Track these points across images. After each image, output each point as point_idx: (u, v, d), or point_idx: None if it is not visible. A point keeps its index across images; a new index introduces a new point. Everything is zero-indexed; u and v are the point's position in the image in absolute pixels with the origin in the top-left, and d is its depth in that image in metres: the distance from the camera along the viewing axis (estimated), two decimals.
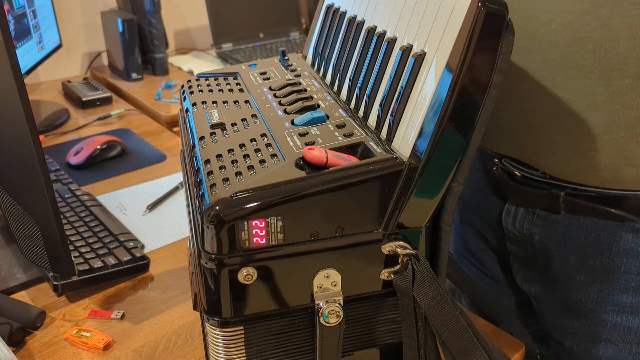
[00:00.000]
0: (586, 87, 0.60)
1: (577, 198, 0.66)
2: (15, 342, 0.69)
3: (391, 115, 0.51)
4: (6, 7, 1.22)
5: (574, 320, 0.71)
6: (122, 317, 0.73)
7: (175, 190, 1.03)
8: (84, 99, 1.43)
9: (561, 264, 0.71)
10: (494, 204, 0.80)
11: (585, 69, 0.59)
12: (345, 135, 0.52)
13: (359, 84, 0.57)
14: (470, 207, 0.87)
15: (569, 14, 0.58)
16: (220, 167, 0.50)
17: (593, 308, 0.69)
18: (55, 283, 0.74)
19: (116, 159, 1.15)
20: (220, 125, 0.57)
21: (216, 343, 0.51)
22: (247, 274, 0.47)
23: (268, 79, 0.67)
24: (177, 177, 1.08)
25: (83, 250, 0.80)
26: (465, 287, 0.73)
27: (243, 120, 0.58)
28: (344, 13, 0.66)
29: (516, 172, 0.72)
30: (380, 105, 0.53)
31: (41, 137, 1.24)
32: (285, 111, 0.58)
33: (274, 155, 0.50)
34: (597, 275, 0.68)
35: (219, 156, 0.51)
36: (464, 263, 0.93)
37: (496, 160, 0.75)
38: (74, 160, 1.12)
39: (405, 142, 0.49)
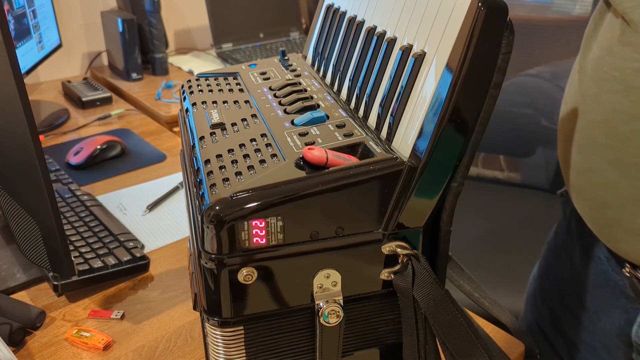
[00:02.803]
0: None
1: None
2: (15, 342, 0.69)
3: (391, 115, 0.51)
4: (6, 7, 1.22)
5: None
6: (122, 317, 0.73)
7: (175, 190, 1.03)
8: (84, 99, 1.43)
9: None
10: (622, 309, 0.67)
11: None
12: (345, 135, 0.52)
13: (359, 84, 0.57)
14: (583, 302, 0.73)
15: None
16: (220, 167, 0.50)
17: None
18: (55, 283, 0.74)
19: (116, 159, 1.15)
20: (220, 125, 0.57)
21: (216, 343, 0.51)
22: (247, 274, 0.47)
23: (268, 79, 0.67)
24: (177, 177, 1.08)
25: (83, 250, 0.80)
26: (465, 287, 0.73)
27: (243, 120, 0.58)
28: (344, 13, 0.66)
29: None
30: (380, 105, 0.53)
31: (41, 137, 1.24)
32: (285, 111, 0.58)
33: (274, 155, 0.50)
34: None
35: (219, 156, 0.51)
36: (544, 345, 0.79)
37: (628, 266, 0.62)
38: (74, 160, 1.12)
39: (405, 142, 0.49)
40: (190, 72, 1.70)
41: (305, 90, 0.62)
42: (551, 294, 0.79)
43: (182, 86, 0.69)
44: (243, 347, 0.51)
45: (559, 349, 0.78)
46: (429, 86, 0.48)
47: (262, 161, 0.50)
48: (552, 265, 0.79)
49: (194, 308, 0.60)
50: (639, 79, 0.53)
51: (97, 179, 1.08)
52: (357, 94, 0.58)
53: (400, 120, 0.51)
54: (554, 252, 0.78)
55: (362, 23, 0.61)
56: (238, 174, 0.48)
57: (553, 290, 0.79)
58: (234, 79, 0.69)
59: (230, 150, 0.52)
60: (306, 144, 0.51)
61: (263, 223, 0.46)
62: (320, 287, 0.50)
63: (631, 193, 0.56)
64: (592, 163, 0.60)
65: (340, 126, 0.54)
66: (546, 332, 0.81)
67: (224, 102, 0.63)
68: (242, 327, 0.50)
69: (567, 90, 0.68)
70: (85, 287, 0.77)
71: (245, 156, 0.51)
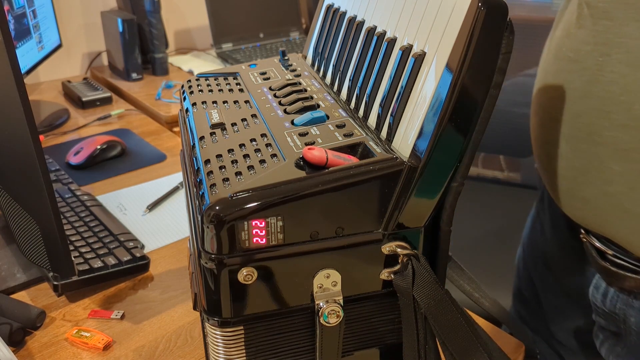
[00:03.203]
0: None
1: None
2: (15, 342, 0.69)
3: (391, 115, 0.51)
4: (6, 7, 1.22)
5: None
6: (122, 317, 0.73)
7: (175, 190, 1.03)
8: (84, 99, 1.43)
9: None
10: (581, 271, 0.71)
11: None
12: (345, 135, 0.52)
13: (359, 84, 0.57)
14: (550, 265, 0.78)
15: None
16: (220, 167, 0.50)
17: None
18: (55, 283, 0.74)
19: (116, 159, 1.15)
20: (220, 125, 0.57)
21: (216, 343, 0.51)
22: (247, 274, 0.47)
23: (268, 79, 0.67)
24: (177, 177, 1.08)
25: (83, 250, 0.80)
26: (465, 287, 0.73)
27: (243, 120, 0.58)
28: (344, 13, 0.66)
29: (606, 251, 0.62)
30: (380, 105, 0.53)
31: (41, 137, 1.24)
32: (285, 111, 0.58)
33: (274, 155, 0.50)
34: None
35: (219, 156, 0.51)
36: (528, 308, 0.83)
37: (583, 232, 0.66)
38: (74, 160, 1.12)
39: (405, 142, 0.49)
40: (190, 72, 1.70)
41: (305, 90, 0.62)
42: (529, 260, 0.83)
43: (182, 86, 0.69)
44: (243, 347, 0.51)
45: (537, 313, 0.82)
46: (429, 86, 0.48)
47: (262, 161, 0.50)
48: (529, 233, 0.83)
49: (194, 308, 0.60)
50: (590, 61, 0.57)
51: (97, 179, 1.08)
52: (357, 94, 0.58)
53: (400, 120, 0.51)
54: (532, 221, 0.83)
55: (362, 23, 0.61)
56: (238, 174, 0.48)
57: (530, 257, 0.83)
58: (234, 79, 0.69)
59: (230, 150, 0.52)
60: (306, 144, 0.51)
61: (263, 223, 0.46)
62: (320, 287, 0.50)
63: (581, 165, 0.60)
64: (550, 137, 0.64)
65: (340, 126, 0.54)
66: (528, 298, 0.85)
67: (224, 102, 0.63)
68: (242, 327, 0.50)
69: (539, 68, 0.72)
70: (85, 287, 0.77)
71: (245, 156, 0.51)
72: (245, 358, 0.51)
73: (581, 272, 0.70)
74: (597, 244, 0.63)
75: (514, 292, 0.89)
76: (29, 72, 1.33)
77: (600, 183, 0.58)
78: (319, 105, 0.59)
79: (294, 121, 0.56)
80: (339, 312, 0.50)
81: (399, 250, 0.50)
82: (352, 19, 0.63)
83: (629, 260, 0.60)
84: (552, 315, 0.80)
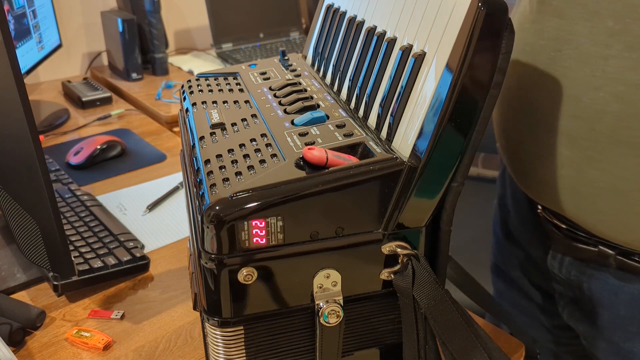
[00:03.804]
0: (637, 166, 0.55)
1: (630, 259, 0.62)
2: (15, 342, 0.69)
3: (391, 115, 0.51)
4: (6, 7, 1.22)
5: None
6: (122, 317, 0.73)
7: (175, 190, 1.03)
8: (84, 99, 1.43)
9: (612, 315, 0.67)
10: (540, 243, 0.76)
11: (637, 147, 0.54)
12: (345, 135, 0.52)
13: (359, 84, 0.57)
14: (516, 238, 0.83)
15: (620, 84, 0.53)
16: (220, 167, 0.50)
17: None
18: (55, 283, 0.74)
19: (116, 159, 1.15)
20: (220, 125, 0.57)
21: (216, 343, 0.51)
22: (247, 274, 0.47)
23: (268, 79, 0.67)
24: (177, 177, 1.08)
25: (83, 250, 0.80)
26: (465, 287, 0.73)
27: (243, 120, 0.58)
28: (344, 13, 0.66)
29: (560, 225, 0.68)
30: (380, 105, 0.53)
31: (41, 137, 1.24)
32: (285, 111, 0.58)
33: (274, 155, 0.50)
34: None
35: (219, 156, 0.51)
36: (503, 282, 0.89)
37: (540, 207, 0.71)
38: (74, 160, 1.12)
39: (405, 142, 0.49)
40: (190, 72, 1.70)
41: (305, 90, 0.62)
42: (498, 236, 0.89)
43: (182, 86, 0.69)
44: (243, 347, 0.51)
45: (509, 285, 0.88)
46: (429, 86, 0.48)
47: (262, 161, 0.50)
48: (497, 210, 0.89)
49: (194, 308, 0.60)
50: (543, 55, 0.61)
51: (97, 179, 1.08)
52: (357, 94, 0.58)
53: (400, 120, 0.51)
54: (498, 198, 0.88)
55: (362, 23, 0.61)
56: (238, 174, 0.48)
57: (498, 233, 0.89)
58: (234, 79, 0.69)
59: (230, 150, 0.52)
60: (306, 144, 0.51)
61: (263, 223, 0.46)
62: (320, 287, 0.50)
63: (537, 150, 0.64)
64: (509, 124, 0.68)
65: (340, 126, 0.54)
66: (503, 271, 0.90)
67: (224, 102, 0.63)
68: (242, 327, 0.50)
69: None
70: (85, 287, 0.77)
71: (245, 156, 0.51)
72: (245, 358, 0.51)
73: (541, 243, 0.76)
74: (553, 220, 0.69)
75: (491, 268, 0.93)
76: (29, 72, 1.33)
77: (553, 167, 0.62)
78: (319, 105, 0.59)
79: (294, 121, 0.56)
80: (339, 312, 0.50)
81: (399, 250, 0.50)
82: (352, 19, 0.63)
83: (580, 234, 0.66)
84: (521, 285, 0.85)
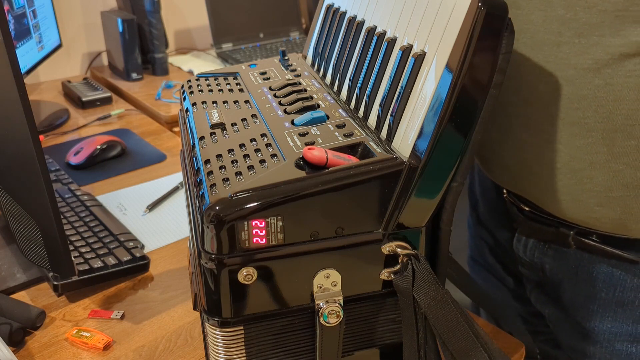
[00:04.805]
0: (589, 145, 0.58)
1: (587, 238, 0.65)
2: (15, 342, 0.69)
3: (391, 115, 0.51)
4: (6, 7, 1.22)
5: (589, 345, 0.71)
6: (122, 317, 0.73)
7: (175, 190, 1.03)
8: (84, 99, 1.43)
9: (573, 294, 0.70)
10: (507, 227, 0.79)
11: (588, 127, 0.57)
12: (345, 135, 0.52)
13: (359, 84, 0.57)
14: (485, 224, 0.86)
15: (570, 69, 0.56)
16: (220, 167, 0.49)
17: (607, 337, 0.68)
18: (55, 283, 0.74)
19: (116, 159, 1.15)
20: (220, 125, 0.57)
21: (216, 343, 0.51)
22: (247, 274, 0.47)
23: (268, 79, 0.67)
24: (177, 177, 1.08)
25: (83, 250, 0.80)
26: (465, 287, 0.73)
27: (243, 120, 0.58)
28: (344, 13, 0.66)
29: (524, 207, 0.71)
30: (380, 105, 0.53)
31: (41, 137, 1.24)
32: (285, 111, 0.58)
33: (274, 155, 0.50)
34: (610, 307, 0.67)
35: (219, 156, 0.51)
36: (479, 272, 0.92)
37: (505, 191, 0.74)
38: (74, 160, 1.12)
39: (405, 142, 0.49)
40: (190, 72, 1.70)
41: (305, 90, 0.62)
42: (470, 224, 0.92)
43: (182, 86, 0.69)
44: (243, 347, 0.51)
45: (484, 275, 0.91)
46: (429, 86, 0.48)
47: (262, 161, 0.50)
48: (469, 199, 0.92)
49: (194, 308, 0.60)
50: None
51: (97, 179, 1.08)
52: (357, 94, 0.58)
53: (400, 120, 0.51)
54: (468, 187, 0.91)
55: (362, 23, 0.61)
56: (238, 174, 0.48)
57: (470, 222, 0.92)
58: (234, 79, 0.69)
59: (230, 150, 0.52)
60: (306, 144, 0.51)
61: (263, 223, 0.46)
62: (320, 287, 0.50)
63: (499, 135, 0.67)
64: None
65: (340, 126, 0.54)
66: (476, 263, 0.93)
67: (224, 102, 0.63)
68: (242, 327, 0.50)
69: None
70: (85, 287, 0.77)
71: (245, 156, 0.51)
72: (245, 358, 0.51)
73: (507, 227, 0.79)
74: (517, 202, 0.72)
75: (467, 262, 0.96)
76: (29, 72, 1.33)
77: (514, 151, 0.65)
78: (319, 105, 0.59)
79: (294, 121, 0.56)
80: (339, 312, 0.50)
81: (399, 250, 0.50)
82: (352, 19, 0.63)
83: (541, 215, 0.69)
84: (495, 272, 0.88)
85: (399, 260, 0.50)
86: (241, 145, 0.53)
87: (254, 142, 0.53)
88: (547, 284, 0.74)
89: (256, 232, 0.46)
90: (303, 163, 0.49)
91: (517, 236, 0.75)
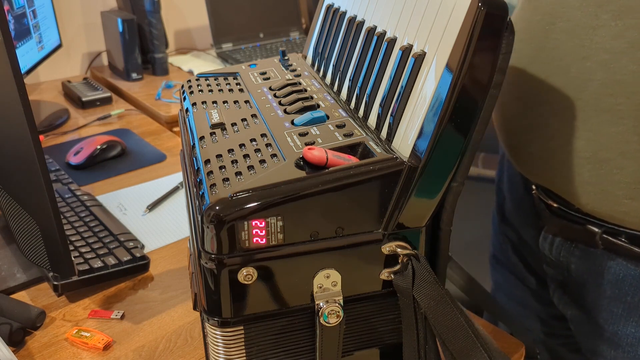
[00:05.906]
0: (620, 134, 0.56)
1: (616, 237, 0.63)
2: (15, 342, 0.69)
3: (391, 115, 0.51)
4: (6, 7, 1.22)
5: (611, 349, 0.69)
6: (122, 317, 0.73)
7: (175, 190, 1.03)
8: (84, 99, 1.43)
9: (597, 296, 0.69)
10: (533, 224, 0.78)
11: (620, 114, 0.56)
12: (345, 135, 0.52)
13: (359, 84, 0.57)
14: (510, 222, 0.85)
15: (606, 53, 0.55)
16: (220, 167, 0.50)
17: (630, 342, 0.67)
18: (55, 283, 0.74)
19: (116, 159, 1.15)
20: (220, 125, 0.57)
21: (216, 343, 0.51)
22: (247, 274, 0.47)
23: (268, 79, 0.67)
24: (177, 177, 1.08)
25: (83, 250, 0.80)
26: (465, 287, 0.73)
27: (243, 120, 0.58)
28: (344, 13, 0.66)
29: (552, 204, 0.69)
30: (380, 105, 0.53)
31: (41, 137, 1.24)
32: (285, 111, 0.58)
33: (274, 155, 0.50)
34: (636, 311, 0.65)
35: (219, 156, 0.51)
36: (500, 271, 0.91)
37: (534, 186, 0.73)
38: (74, 160, 1.12)
39: (405, 142, 0.49)
40: (190, 72, 1.70)
41: (305, 90, 0.62)
42: (495, 221, 0.91)
43: (182, 86, 0.69)
44: (243, 347, 0.51)
45: (506, 274, 0.90)
46: (429, 86, 0.48)
47: (262, 161, 0.50)
48: (495, 196, 0.91)
49: (194, 308, 0.60)
50: (538, 30, 0.64)
51: (97, 179, 1.08)
52: (357, 94, 0.58)
53: (400, 120, 0.51)
54: (496, 183, 0.90)
55: (362, 23, 0.61)
56: (238, 174, 0.48)
57: (495, 219, 0.91)
58: (234, 79, 0.69)
59: (230, 150, 0.52)
60: (306, 144, 0.51)
61: (263, 223, 0.46)
62: (320, 287, 0.50)
63: (528, 123, 0.66)
64: (504, 99, 0.71)
65: (340, 126, 0.54)
66: (498, 261, 0.92)
67: (224, 102, 0.63)
68: (242, 327, 0.50)
69: None
70: (85, 287, 0.77)
71: (245, 156, 0.51)
72: (245, 358, 0.51)
73: (533, 225, 0.78)
74: (545, 198, 0.71)
75: (490, 260, 0.94)
76: (29, 72, 1.33)
77: (543, 139, 0.65)
78: (319, 105, 0.59)
79: (294, 121, 0.56)
80: (339, 312, 0.50)
81: (399, 250, 0.50)
82: (352, 19, 0.63)
83: (570, 212, 0.67)
84: (517, 272, 0.87)
85: (399, 260, 0.50)
86: (241, 145, 0.53)
87: (254, 142, 0.53)
88: (572, 284, 0.72)
89: (256, 232, 0.46)
90: (303, 163, 0.49)
91: (544, 234, 0.74)
